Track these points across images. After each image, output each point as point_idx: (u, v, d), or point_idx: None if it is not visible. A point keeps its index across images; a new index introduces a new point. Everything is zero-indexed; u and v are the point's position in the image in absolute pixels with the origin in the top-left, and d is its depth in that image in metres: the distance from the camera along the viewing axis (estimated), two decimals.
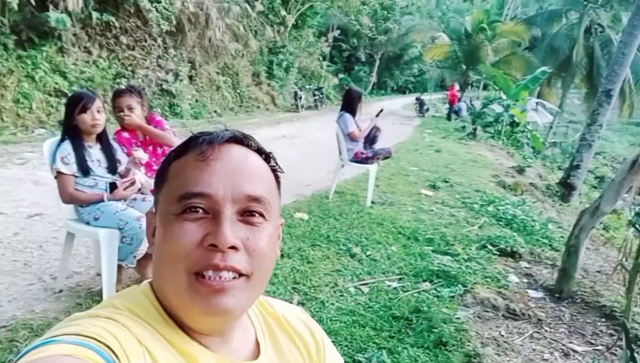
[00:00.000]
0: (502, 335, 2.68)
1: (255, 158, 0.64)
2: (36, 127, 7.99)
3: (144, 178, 2.77)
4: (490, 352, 2.45)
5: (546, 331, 2.82)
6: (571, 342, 2.72)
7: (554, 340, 2.71)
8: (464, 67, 21.20)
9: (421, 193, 5.88)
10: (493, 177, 7.69)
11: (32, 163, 5.78)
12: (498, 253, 3.94)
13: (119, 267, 2.62)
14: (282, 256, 3.42)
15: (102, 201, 2.55)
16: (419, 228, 4.38)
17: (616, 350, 2.66)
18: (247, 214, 0.60)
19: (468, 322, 2.72)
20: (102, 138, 2.65)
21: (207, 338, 0.61)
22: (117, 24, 10.11)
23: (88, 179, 2.55)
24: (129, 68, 10.50)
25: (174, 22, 11.31)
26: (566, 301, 3.25)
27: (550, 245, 4.39)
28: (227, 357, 0.62)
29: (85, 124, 2.51)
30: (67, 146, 2.50)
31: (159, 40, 11.27)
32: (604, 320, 3.04)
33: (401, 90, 37.13)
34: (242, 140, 0.63)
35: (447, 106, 20.61)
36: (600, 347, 2.70)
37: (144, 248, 2.72)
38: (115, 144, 2.76)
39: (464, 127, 15.01)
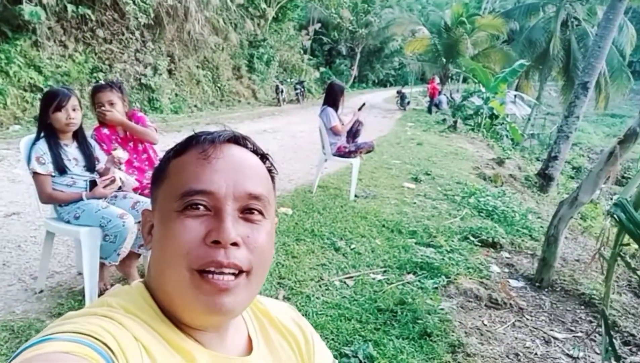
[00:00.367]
0: (485, 325, 2.73)
1: (254, 157, 0.65)
2: (11, 123, 7.80)
3: (124, 176, 2.73)
4: (474, 341, 2.49)
5: (527, 319, 2.88)
6: (552, 330, 2.78)
7: (535, 328, 2.77)
8: (444, 60, 21.36)
9: (404, 186, 5.92)
10: (474, 169, 7.79)
11: (8, 161, 5.64)
12: (480, 244, 4.00)
13: (101, 266, 2.58)
14: None
15: (81, 199, 2.51)
16: (402, 221, 4.42)
17: (595, 337, 2.74)
18: (247, 212, 0.61)
19: (452, 313, 2.76)
20: (78, 136, 2.59)
21: (203, 334, 0.62)
22: (93, 17, 9.89)
23: (65, 178, 2.50)
24: (106, 62, 10.29)
25: (152, 15, 11.11)
26: (546, 289, 3.33)
27: (530, 235, 4.47)
28: (222, 353, 0.63)
29: (60, 123, 2.45)
30: (42, 145, 2.44)
31: (137, 33, 11.06)
32: (583, 307, 3.12)
33: (382, 83, 37.27)
34: (240, 140, 0.65)
35: (427, 99, 20.74)
36: (580, 334, 2.77)
37: (127, 246, 2.69)
38: (92, 142, 2.71)
39: (444, 120, 15.14)
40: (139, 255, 2.73)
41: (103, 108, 2.78)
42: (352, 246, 3.74)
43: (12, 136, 6.97)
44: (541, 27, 18.52)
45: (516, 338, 2.64)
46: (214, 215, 0.58)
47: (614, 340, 2.23)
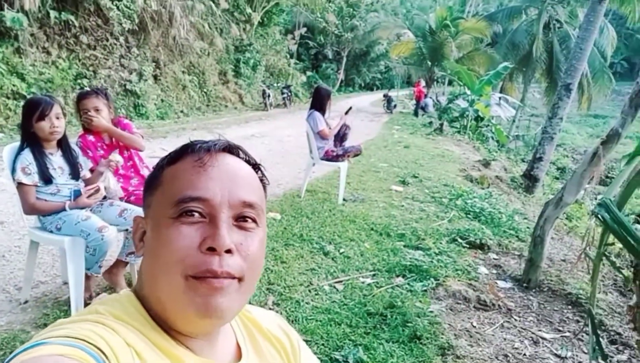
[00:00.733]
0: (474, 326, 2.74)
1: (247, 167, 0.67)
2: None
3: (115, 183, 2.70)
4: (463, 343, 2.51)
5: (516, 320, 2.90)
6: (540, 330, 2.81)
7: (524, 329, 2.80)
8: (429, 63, 21.55)
9: (392, 189, 5.95)
10: (460, 171, 7.85)
11: None
12: (467, 245, 4.02)
13: (87, 275, 2.54)
14: None
15: (64, 210, 2.47)
16: (391, 224, 4.43)
17: (582, 336, 2.77)
18: (241, 220, 0.62)
19: (441, 315, 2.78)
20: (62, 144, 2.56)
21: (193, 342, 0.62)
22: (76, 23, 9.78)
23: (50, 187, 2.46)
24: (90, 68, 10.17)
25: (137, 21, 11.02)
26: (534, 290, 3.36)
27: (517, 236, 4.52)
28: (212, 360, 0.63)
29: (43, 132, 2.41)
30: (27, 155, 2.40)
31: (121, 39, 10.96)
32: (570, 307, 3.15)
33: (369, 87, 37.38)
34: (234, 150, 0.66)
35: (414, 102, 20.89)
36: (567, 334, 2.80)
37: (111, 256, 2.66)
38: (76, 148, 2.68)
39: (430, 123, 15.26)
40: (127, 263, 2.70)
41: (89, 114, 2.74)
42: (341, 250, 3.73)
43: None
44: (524, 30, 18.81)
45: (505, 339, 2.65)
46: (209, 222, 0.59)
47: (600, 339, 2.26)
